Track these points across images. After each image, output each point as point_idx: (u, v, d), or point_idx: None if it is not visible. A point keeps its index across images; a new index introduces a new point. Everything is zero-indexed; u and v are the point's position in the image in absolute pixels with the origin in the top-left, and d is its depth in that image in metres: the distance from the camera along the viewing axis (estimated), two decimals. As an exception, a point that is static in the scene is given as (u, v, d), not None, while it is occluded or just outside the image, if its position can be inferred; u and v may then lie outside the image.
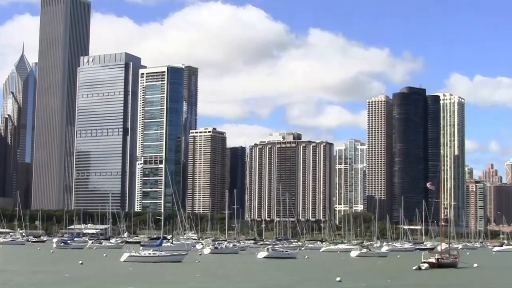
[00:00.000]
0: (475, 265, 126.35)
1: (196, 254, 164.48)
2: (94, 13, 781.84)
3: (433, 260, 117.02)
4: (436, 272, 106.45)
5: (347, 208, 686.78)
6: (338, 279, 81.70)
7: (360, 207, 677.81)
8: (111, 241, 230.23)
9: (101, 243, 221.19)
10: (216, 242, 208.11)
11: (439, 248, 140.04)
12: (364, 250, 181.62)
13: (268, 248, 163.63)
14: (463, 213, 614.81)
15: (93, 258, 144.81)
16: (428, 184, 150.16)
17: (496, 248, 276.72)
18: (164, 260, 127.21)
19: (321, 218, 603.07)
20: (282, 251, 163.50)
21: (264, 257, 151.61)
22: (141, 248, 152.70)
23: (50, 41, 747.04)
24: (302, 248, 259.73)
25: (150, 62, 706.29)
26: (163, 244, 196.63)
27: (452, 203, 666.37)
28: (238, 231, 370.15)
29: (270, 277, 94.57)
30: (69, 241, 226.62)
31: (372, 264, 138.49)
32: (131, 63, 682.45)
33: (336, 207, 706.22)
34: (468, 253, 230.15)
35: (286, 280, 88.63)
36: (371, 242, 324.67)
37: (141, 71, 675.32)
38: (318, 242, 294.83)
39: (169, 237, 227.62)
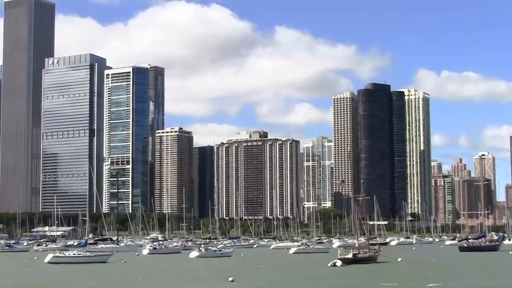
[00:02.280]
0: (399, 259, 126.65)
1: (133, 255, 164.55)
2: (57, 14, 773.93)
3: (349, 255, 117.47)
4: (349, 268, 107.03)
5: (316, 205, 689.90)
6: (230, 279, 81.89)
7: (328, 204, 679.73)
8: (57, 243, 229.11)
9: (47, 246, 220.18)
10: (156, 243, 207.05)
11: (358, 243, 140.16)
12: (302, 247, 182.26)
13: (200, 248, 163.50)
14: (426, 208, 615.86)
15: (21, 260, 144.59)
16: (338, 182, 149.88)
17: (448, 242, 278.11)
18: (88, 260, 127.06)
19: (289, 215, 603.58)
20: (215, 250, 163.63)
21: (195, 257, 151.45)
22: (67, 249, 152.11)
23: (14, 44, 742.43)
24: (255, 246, 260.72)
25: (115, 63, 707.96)
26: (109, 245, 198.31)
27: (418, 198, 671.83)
28: (213, 229, 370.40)
29: (171, 275, 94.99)
30: (13, 245, 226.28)
31: (299, 260, 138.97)
32: (96, 64, 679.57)
33: (304, 204, 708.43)
34: (414, 248, 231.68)
35: (178, 279, 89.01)
36: (330, 239, 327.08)
37: (106, 72, 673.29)
38: (271, 240, 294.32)
39: (114, 238, 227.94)
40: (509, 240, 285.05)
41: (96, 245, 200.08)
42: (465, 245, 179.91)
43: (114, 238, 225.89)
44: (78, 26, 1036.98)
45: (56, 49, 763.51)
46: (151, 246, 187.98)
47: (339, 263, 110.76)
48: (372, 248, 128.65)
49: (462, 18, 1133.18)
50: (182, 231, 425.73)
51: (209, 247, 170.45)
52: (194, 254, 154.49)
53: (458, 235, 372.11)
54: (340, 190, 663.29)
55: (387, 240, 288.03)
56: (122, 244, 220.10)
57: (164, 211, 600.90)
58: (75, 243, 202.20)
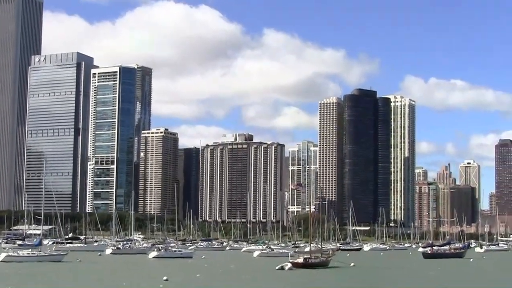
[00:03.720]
0: (352, 264, 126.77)
1: (96, 255, 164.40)
2: (45, 11, 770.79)
3: (300, 260, 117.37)
4: (296, 272, 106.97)
5: (300, 209, 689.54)
6: (164, 278, 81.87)
7: (312, 208, 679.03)
8: (26, 242, 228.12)
9: (15, 244, 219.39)
10: (121, 243, 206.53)
11: (307, 249, 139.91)
12: (266, 251, 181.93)
13: (159, 248, 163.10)
14: (409, 214, 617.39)
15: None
16: (294, 185, 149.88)
17: (422, 249, 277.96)
18: (43, 260, 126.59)
19: (272, 219, 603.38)
20: (175, 251, 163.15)
21: (154, 257, 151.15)
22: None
23: (1, 40, 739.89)
24: (227, 249, 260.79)
25: (102, 62, 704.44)
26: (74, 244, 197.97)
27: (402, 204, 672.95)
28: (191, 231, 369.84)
29: (109, 275, 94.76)
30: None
31: (257, 263, 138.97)
32: (83, 62, 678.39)
33: (289, 208, 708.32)
34: (382, 253, 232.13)
35: (113, 278, 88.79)
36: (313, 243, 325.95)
37: (93, 71, 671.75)
38: (244, 243, 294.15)
39: (82, 237, 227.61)
40: (481, 248, 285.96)
41: (65, 244, 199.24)
42: (429, 252, 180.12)
43: (82, 237, 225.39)
44: (66, 24, 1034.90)
45: (43, 46, 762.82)
46: (114, 246, 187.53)
47: (287, 266, 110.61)
48: (325, 253, 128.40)
49: (451, 26, 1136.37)
50: (163, 232, 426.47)
51: (169, 248, 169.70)
52: (153, 254, 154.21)
53: (430, 241, 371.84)
54: (324, 195, 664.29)
55: (358, 246, 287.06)
56: (96, 244, 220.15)
57: (147, 212, 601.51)
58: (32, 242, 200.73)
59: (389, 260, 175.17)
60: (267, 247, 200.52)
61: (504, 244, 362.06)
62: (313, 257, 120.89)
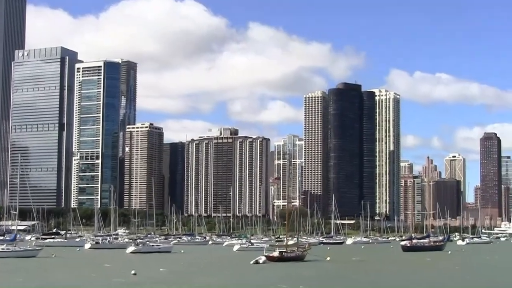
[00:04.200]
0: (328, 258, 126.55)
1: (74, 250, 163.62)
2: (28, 5, 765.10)
3: (275, 253, 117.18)
4: (268, 265, 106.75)
5: (286, 203, 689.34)
6: (133, 272, 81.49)
7: (298, 202, 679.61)
8: (5, 237, 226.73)
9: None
10: (101, 237, 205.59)
11: (290, 242, 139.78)
12: (246, 245, 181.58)
13: (137, 243, 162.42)
14: (394, 208, 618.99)
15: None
16: (271, 179, 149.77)
17: (403, 242, 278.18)
18: (17, 255, 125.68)
19: (258, 213, 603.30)
20: (152, 245, 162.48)
21: (131, 252, 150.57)
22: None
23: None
24: (210, 243, 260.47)
25: (87, 57, 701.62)
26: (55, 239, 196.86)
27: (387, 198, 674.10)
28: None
29: (82, 270, 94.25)
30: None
31: (235, 257, 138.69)
32: (67, 57, 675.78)
33: (275, 202, 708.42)
34: (363, 246, 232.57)
35: (84, 273, 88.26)
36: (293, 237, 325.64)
37: (77, 65, 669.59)
38: (228, 238, 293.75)
39: (62, 232, 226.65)
40: (463, 240, 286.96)
41: (43, 240, 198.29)
42: (408, 245, 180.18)
43: (62, 232, 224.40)
44: (49, 18, 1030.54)
45: (27, 41, 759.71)
46: (93, 241, 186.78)
47: (261, 260, 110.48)
48: (301, 247, 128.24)
49: (436, 20, 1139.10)
50: (149, 227, 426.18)
51: (147, 243, 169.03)
52: (130, 249, 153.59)
53: (413, 235, 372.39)
54: (310, 189, 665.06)
55: (341, 240, 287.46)
56: (78, 239, 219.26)
57: (133, 207, 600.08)
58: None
59: (368, 253, 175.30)
60: (247, 241, 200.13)
61: (486, 237, 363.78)
62: (288, 251, 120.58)
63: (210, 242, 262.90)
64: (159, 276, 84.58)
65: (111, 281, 75.89)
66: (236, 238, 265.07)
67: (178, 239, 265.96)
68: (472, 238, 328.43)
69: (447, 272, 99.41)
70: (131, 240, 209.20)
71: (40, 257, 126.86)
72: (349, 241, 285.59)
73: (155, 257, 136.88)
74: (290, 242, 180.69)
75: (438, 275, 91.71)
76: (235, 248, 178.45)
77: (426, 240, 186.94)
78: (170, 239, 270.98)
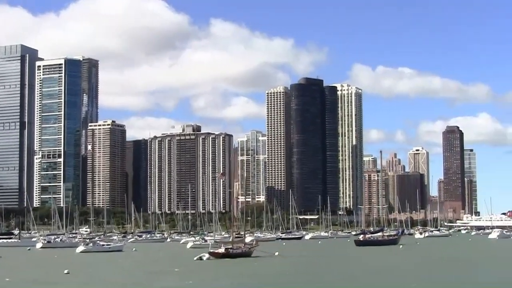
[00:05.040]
0: (276, 253, 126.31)
1: (25, 249, 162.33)
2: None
3: (221, 250, 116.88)
4: (210, 262, 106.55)
5: (250, 199, 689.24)
6: (66, 271, 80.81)
7: (262, 198, 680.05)
8: None
9: None
10: (53, 236, 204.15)
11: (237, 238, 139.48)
12: (198, 242, 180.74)
13: (86, 242, 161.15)
14: (358, 202, 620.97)
15: None
16: (217, 175, 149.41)
17: (361, 237, 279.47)
18: None
19: (222, 209, 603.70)
20: (103, 245, 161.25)
21: (81, 252, 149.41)
22: None
23: None
24: (168, 240, 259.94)
25: (48, 54, 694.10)
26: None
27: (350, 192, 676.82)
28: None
29: (19, 270, 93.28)
30: None
31: (185, 253, 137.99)
32: (27, 55, 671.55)
33: (239, 198, 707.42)
34: (319, 241, 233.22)
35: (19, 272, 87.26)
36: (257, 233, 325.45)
37: (37, 63, 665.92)
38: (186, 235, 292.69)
39: (16, 232, 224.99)
40: (420, 234, 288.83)
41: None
42: (361, 239, 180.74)
43: (16, 232, 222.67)
44: (9, 15, 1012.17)
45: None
46: (44, 240, 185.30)
47: (205, 257, 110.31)
48: (249, 243, 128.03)
49: (397, 13, 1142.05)
50: (112, 226, 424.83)
51: (98, 242, 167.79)
52: (80, 248, 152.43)
53: (366, 229, 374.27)
54: (273, 185, 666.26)
55: (299, 235, 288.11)
56: (34, 239, 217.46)
57: (96, 205, 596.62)
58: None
59: (321, 248, 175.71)
60: (200, 238, 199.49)
61: (445, 230, 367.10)
62: (234, 247, 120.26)
63: (168, 240, 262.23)
64: (91, 274, 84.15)
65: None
66: (194, 236, 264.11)
67: (136, 237, 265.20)
68: (432, 231, 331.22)
69: (375, 266, 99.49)
70: (79, 239, 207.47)
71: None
72: (308, 236, 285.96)
73: (104, 256, 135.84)
74: (249, 239, 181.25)
75: (362, 268, 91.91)
76: (188, 245, 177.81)
77: (380, 234, 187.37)
78: (128, 237, 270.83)
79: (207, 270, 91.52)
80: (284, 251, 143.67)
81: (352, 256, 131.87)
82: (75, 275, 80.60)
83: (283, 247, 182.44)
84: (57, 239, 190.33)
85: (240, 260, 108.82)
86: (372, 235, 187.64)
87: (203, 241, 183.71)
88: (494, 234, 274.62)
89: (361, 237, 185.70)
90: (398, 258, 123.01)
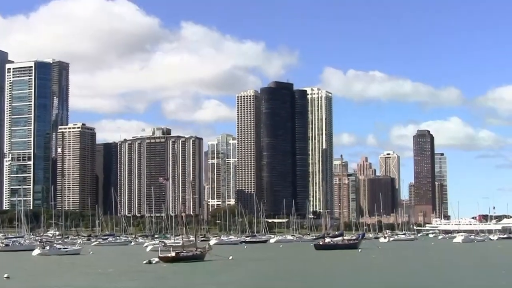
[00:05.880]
0: (230, 257, 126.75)
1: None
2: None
3: (171, 254, 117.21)
4: (158, 265, 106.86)
5: (220, 203, 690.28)
6: (5, 275, 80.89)
7: (232, 201, 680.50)
8: None
9: None
10: (12, 239, 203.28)
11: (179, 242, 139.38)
12: (158, 245, 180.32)
13: (43, 246, 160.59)
14: (328, 206, 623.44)
15: None
16: (160, 179, 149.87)
17: (320, 241, 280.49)
18: None
19: (191, 213, 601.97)
20: (59, 248, 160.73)
21: (38, 255, 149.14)
22: None
23: None
24: (132, 244, 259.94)
25: (18, 57, 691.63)
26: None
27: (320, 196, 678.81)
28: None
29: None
30: None
31: (143, 256, 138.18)
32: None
33: (209, 202, 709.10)
34: (281, 245, 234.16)
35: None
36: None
37: (8, 66, 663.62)
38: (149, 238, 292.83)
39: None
40: (384, 238, 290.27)
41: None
42: (320, 244, 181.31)
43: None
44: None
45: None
46: (2, 243, 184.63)
47: (154, 261, 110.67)
48: (202, 247, 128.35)
49: (368, 16, 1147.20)
50: (80, 228, 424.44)
51: (55, 245, 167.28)
52: (36, 252, 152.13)
53: (325, 234, 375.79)
54: (243, 188, 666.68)
55: (265, 238, 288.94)
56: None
57: (66, 208, 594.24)
58: None
59: (280, 252, 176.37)
60: (160, 241, 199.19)
61: (411, 234, 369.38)
62: (185, 251, 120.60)
63: (132, 243, 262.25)
64: (32, 278, 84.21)
65: None
66: (157, 239, 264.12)
67: (99, 240, 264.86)
68: (398, 235, 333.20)
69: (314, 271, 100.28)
70: (35, 243, 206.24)
71: None
72: (273, 240, 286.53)
73: (59, 259, 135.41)
74: (212, 242, 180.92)
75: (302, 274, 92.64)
76: (148, 249, 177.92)
77: (340, 239, 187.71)
78: (92, 240, 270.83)
79: (142, 272, 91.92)
80: (243, 254, 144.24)
81: (305, 260, 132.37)
82: (15, 279, 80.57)
83: (243, 250, 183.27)
84: (16, 242, 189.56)
85: (185, 264, 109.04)
86: (332, 239, 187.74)
87: (163, 244, 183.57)
88: (459, 238, 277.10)
89: (320, 241, 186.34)
90: (344, 263, 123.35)
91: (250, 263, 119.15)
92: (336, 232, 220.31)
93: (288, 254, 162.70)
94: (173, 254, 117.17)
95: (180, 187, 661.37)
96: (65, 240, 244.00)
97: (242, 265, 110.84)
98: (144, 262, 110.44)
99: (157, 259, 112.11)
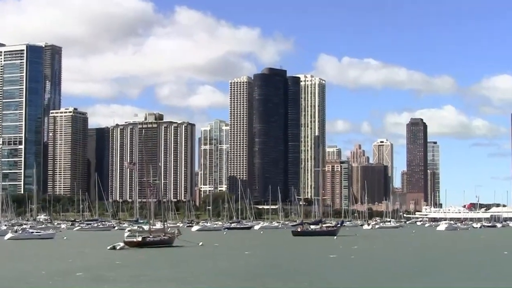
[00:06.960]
0: (200, 243, 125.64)
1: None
2: None
3: (137, 239, 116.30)
4: (121, 251, 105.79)
5: (212, 189, 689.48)
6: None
7: (224, 187, 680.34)
8: None
9: None
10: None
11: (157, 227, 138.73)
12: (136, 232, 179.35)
13: (15, 230, 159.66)
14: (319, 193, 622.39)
15: None
16: (126, 164, 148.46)
17: (313, 226, 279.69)
18: None
19: (183, 198, 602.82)
20: (32, 232, 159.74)
21: (9, 239, 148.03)
22: None
23: None
24: (115, 228, 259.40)
25: (9, 40, 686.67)
26: None
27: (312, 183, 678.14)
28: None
29: None
30: None
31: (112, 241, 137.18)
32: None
33: (201, 188, 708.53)
34: (261, 232, 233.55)
35: None
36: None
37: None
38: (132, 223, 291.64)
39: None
40: (368, 225, 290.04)
41: None
42: (298, 230, 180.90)
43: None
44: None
45: None
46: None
47: (119, 246, 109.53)
48: (170, 232, 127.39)
49: (364, 5, 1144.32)
50: (70, 213, 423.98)
51: (27, 229, 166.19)
52: (8, 236, 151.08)
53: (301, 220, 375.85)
54: (235, 174, 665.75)
55: (249, 225, 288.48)
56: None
57: (57, 193, 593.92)
58: None
59: (258, 238, 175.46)
60: (138, 227, 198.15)
61: (396, 221, 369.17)
62: (151, 236, 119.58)
63: (116, 228, 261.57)
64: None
65: None
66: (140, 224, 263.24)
67: (82, 225, 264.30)
68: (384, 222, 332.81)
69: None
70: (9, 226, 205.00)
71: None
72: (257, 226, 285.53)
73: (31, 244, 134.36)
74: (195, 228, 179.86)
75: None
76: (126, 234, 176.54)
77: (319, 226, 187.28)
78: (75, 225, 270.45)
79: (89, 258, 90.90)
80: (217, 240, 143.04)
81: (273, 246, 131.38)
82: None
83: (221, 236, 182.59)
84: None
85: (148, 249, 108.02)
86: (310, 226, 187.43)
87: (141, 229, 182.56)
88: (442, 226, 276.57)
89: (298, 228, 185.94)
90: (306, 247, 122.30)
91: (216, 249, 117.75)
92: (315, 219, 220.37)
93: (263, 240, 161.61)
94: (139, 239, 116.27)
95: (172, 173, 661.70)
96: (48, 225, 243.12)
97: (203, 251, 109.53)
98: (108, 247, 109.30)
99: (122, 244, 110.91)
